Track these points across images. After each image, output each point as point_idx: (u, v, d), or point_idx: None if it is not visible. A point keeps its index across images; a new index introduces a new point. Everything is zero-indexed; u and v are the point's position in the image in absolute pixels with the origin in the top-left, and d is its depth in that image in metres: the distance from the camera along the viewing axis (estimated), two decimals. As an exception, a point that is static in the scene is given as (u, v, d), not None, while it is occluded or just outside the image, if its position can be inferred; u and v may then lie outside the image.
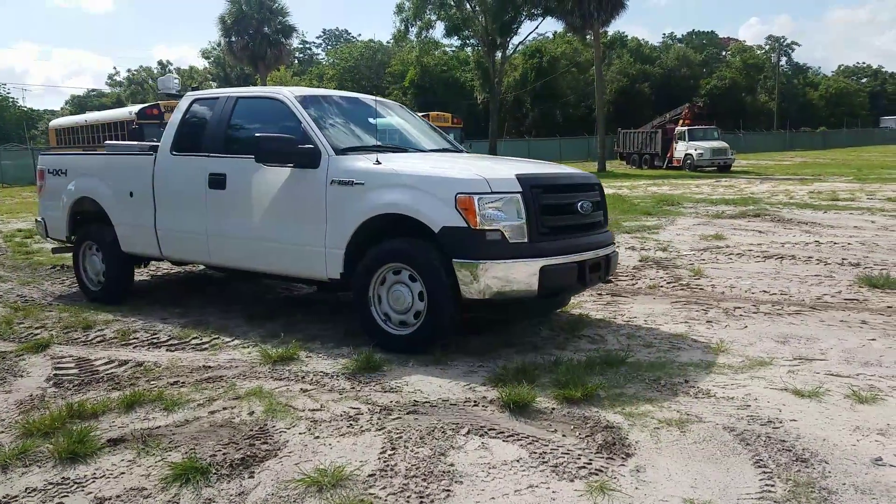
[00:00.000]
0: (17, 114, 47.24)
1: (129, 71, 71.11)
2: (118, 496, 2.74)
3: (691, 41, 79.56)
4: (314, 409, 3.60)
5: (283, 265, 5.12)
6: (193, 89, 6.56)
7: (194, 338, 4.99)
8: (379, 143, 5.20)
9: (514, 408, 3.51)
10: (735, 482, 2.79)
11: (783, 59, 77.96)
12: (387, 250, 4.53)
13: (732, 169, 29.52)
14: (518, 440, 3.19)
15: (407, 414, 3.51)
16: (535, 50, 52.04)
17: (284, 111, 5.14)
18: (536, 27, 66.84)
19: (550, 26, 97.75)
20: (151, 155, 5.86)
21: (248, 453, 3.07)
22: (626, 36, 64.30)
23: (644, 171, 31.68)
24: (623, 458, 3.01)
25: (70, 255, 6.62)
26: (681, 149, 31.24)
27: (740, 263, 7.62)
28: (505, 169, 4.62)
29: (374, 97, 6.15)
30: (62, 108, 59.84)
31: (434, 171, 4.53)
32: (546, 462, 2.97)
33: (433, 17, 36.71)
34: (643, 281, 6.84)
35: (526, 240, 4.29)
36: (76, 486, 2.83)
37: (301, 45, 66.37)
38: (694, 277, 6.90)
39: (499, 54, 37.69)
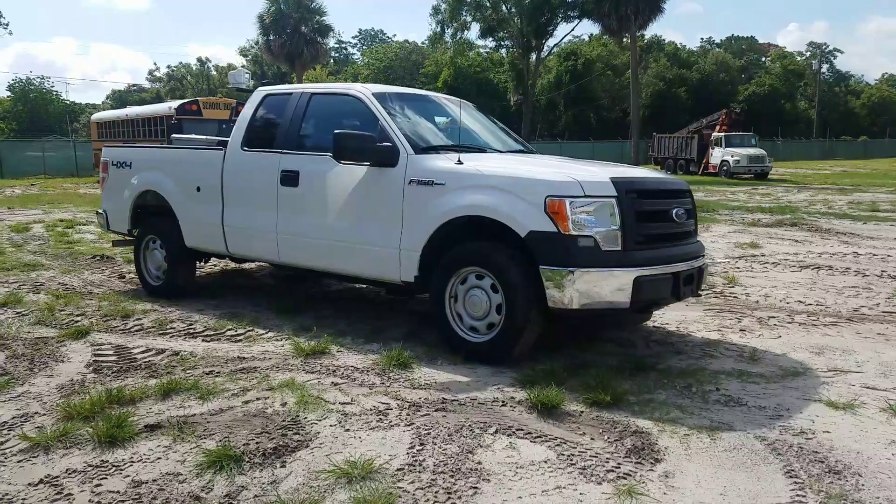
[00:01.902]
0: (60, 107, 48.54)
1: (168, 67, 72.62)
2: (154, 480, 2.82)
3: (730, 46, 78.31)
4: (345, 403, 3.65)
5: (356, 266, 4.98)
6: (264, 84, 6.37)
7: (229, 329, 5.10)
8: (458, 143, 5.04)
9: (543, 409, 3.52)
10: (765, 491, 2.76)
11: (824, 67, 76.23)
12: (466, 254, 4.36)
13: (769, 177, 29.00)
14: (546, 441, 3.20)
15: (435, 411, 3.54)
16: (571, 52, 51.75)
17: (360, 108, 5.03)
18: (572, 29, 66.27)
19: (586, 29, 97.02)
20: (221, 150, 5.82)
21: (281, 443, 3.13)
22: (664, 40, 63.57)
23: (680, 177, 31.24)
24: (652, 463, 3.00)
25: (119, 247, 6.71)
26: (717, 155, 30.78)
27: (776, 273, 7.50)
28: (597, 171, 4.41)
29: (451, 97, 6.11)
30: (103, 103, 61.43)
31: (521, 173, 4.30)
32: (574, 464, 2.97)
33: (469, 19, 36.82)
34: (675, 287, 6.76)
35: (620, 248, 4.02)
36: (114, 468, 2.92)
37: (337, 45, 67.05)
38: (728, 285, 6.81)
39: (533, 56, 37.62)
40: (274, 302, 5.97)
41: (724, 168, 29.86)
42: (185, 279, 6.23)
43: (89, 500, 2.66)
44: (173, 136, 7.74)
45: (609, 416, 3.51)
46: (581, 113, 52.87)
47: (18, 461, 2.99)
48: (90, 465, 2.94)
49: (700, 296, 5.33)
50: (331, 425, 3.36)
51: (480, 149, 5.23)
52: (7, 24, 52.39)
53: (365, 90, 5.16)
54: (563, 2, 35.07)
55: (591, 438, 3.24)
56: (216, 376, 4.05)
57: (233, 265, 7.65)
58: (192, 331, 5.06)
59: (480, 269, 4.29)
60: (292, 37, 34.39)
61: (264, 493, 2.72)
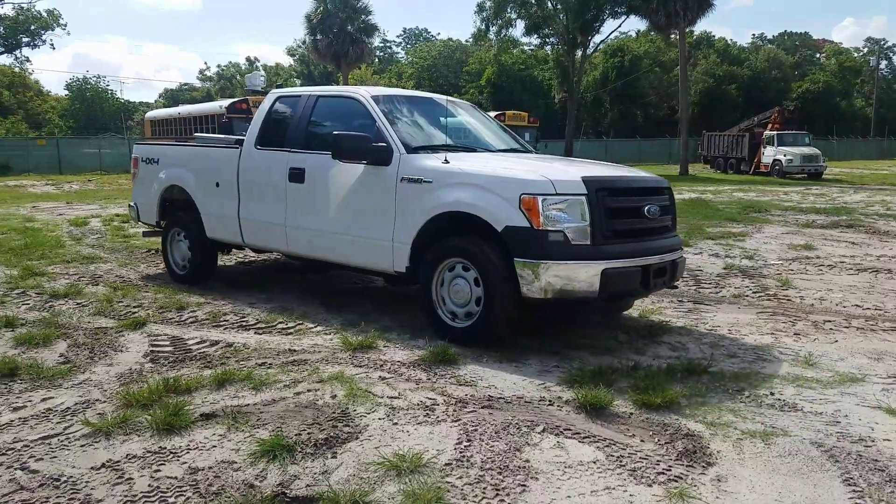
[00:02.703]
0: (115, 105, 50.15)
1: (218, 66, 74.29)
2: (210, 467, 2.90)
3: (783, 42, 75.93)
4: (392, 397, 3.69)
5: (354, 257, 5.34)
6: (278, 87, 6.96)
7: (280, 322, 5.20)
8: (449, 143, 5.31)
9: (591, 410, 3.49)
10: (822, 498, 2.69)
11: (883, 63, 73.28)
12: (450, 247, 4.66)
13: (824, 177, 28.08)
14: (595, 442, 3.17)
15: (482, 408, 3.55)
16: (617, 48, 50.98)
17: (361, 110, 5.34)
18: (619, 26, 65.47)
19: (633, 25, 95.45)
20: (237, 148, 6.14)
21: (331, 434, 3.19)
22: (713, 36, 62.05)
23: (729, 176, 30.55)
24: (704, 466, 2.95)
25: (159, 238, 7.00)
26: (769, 154, 29.97)
27: (831, 275, 7.27)
28: (571, 170, 4.67)
29: (445, 97, 6.29)
30: (156, 101, 63.23)
31: (499, 172, 4.59)
32: (624, 465, 2.94)
33: (513, 16, 36.56)
34: (727, 289, 6.62)
35: (588, 242, 4.30)
36: (172, 455, 3.02)
37: (381, 44, 67.50)
38: (781, 288, 6.63)
39: (579, 53, 37.15)
40: (322, 297, 6.07)
41: (777, 167, 29.05)
42: (206, 268, 6.60)
43: (149, 486, 2.76)
44: (196, 134, 7.92)
45: (659, 418, 3.46)
46: (627, 110, 52.05)
47: (81, 446, 3.11)
48: (149, 452, 3.04)
49: (676, 287, 5.51)
50: (379, 418, 3.41)
51: (471, 148, 5.51)
52: (65, 25, 54.36)
53: (365, 93, 5.48)
54: (609, -2, 34.62)
55: (641, 440, 3.20)
56: (268, 368, 4.14)
57: (285, 260, 7.79)
58: (244, 323, 5.18)
59: (463, 261, 4.59)
60: (338, 36, 34.77)
61: (316, 482, 2.77)
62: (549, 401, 3.66)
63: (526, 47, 51.02)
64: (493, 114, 26.50)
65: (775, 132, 30.44)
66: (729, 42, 63.53)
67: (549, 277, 4.21)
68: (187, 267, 6.60)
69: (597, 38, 37.97)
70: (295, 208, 5.60)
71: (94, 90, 48.24)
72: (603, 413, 3.48)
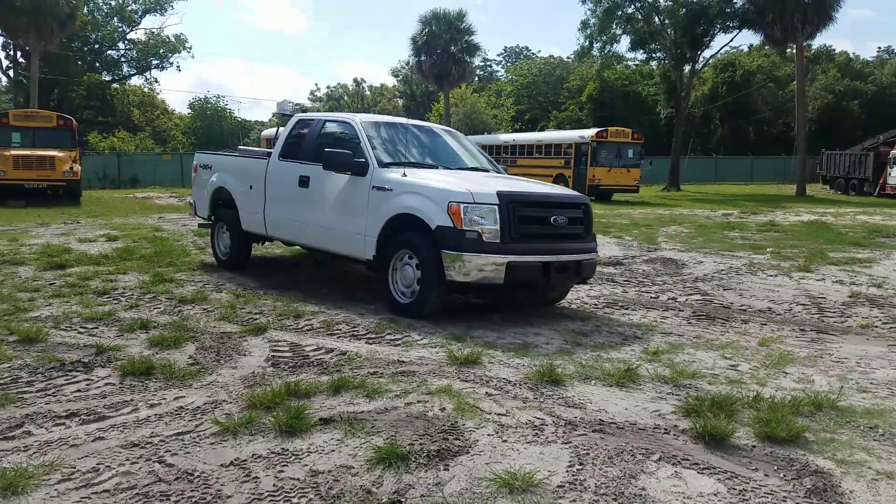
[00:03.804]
0: (232, 123, 53.39)
1: (328, 87, 77.52)
2: (329, 471, 3.02)
3: (914, 54, 70.16)
4: (500, 414, 3.70)
5: (341, 247, 6.65)
6: (303, 111, 8.61)
7: (388, 333, 5.35)
8: (413, 160, 6.48)
9: (710, 440, 3.35)
10: (980, 556, 2.45)
11: None
12: (401, 240, 5.90)
13: (963, 200, 25.64)
14: (714, 474, 3.04)
15: (593, 432, 3.49)
16: (728, 63, 48.91)
17: (352, 132, 6.70)
18: (731, 40, 62.66)
19: (746, 39, 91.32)
20: (266, 159, 7.52)
21: (443, 447, 3.24)
22: (833, 49, 58.29)
23: (851, 198, 28.53)
24: (837, 508, 2.76)
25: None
26: (896, 175, 27.74)
27: (978, 308, 6.62)
28: (493, 185, 5.81)
29: (436, 125, 7.95)
30: (269, 120, 66.72)
31: (439, 184, 5.82)
32: (746, 500, 2.81)
33: (618, 32, 35.92)
34: (854, 319, 6.18)
35: (498, 241, 5.50)
36: (294, 457, 3.16)
37: (482, 63, 68.18)
38: (917, 320, 6.11)
39: (687, 68, 35.96)
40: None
41: (906, 189, 26.83)
42: (243, 256, 8.06)
43: (273, 485, 2.90)
44: (239, 147, 9.59)
45: (784, 452, 3.27)
46: (739, 127, 49.70)
47: (211, 443, 3.32)
48: (273, 452, 3.20)
49: (586, 283, 6.61)
50: (488, 434, 3.42)
51: (434, 166, 6.65)
52: (191, 48, 58.67)
53: (358, 119, 6.86)
54: (721, 11, 33.26)
55: (765, 475, 3.04)
56: (380, 377, 4.26)
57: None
58: (355, 333, 5.36)
59: (409, 251, 5.82)
60: (441, 57, 35.47)
61: (430, 493, 2.82)
62: (665, 429, 3.54)
63: (630, 63, 50.00)
64: (593, 130, 26.15)
65: (905, 151, 28.16)
66: (851, 56, 59.48)
67: (466, 266, 5.43)
68: (228, 254, 8.07)
69: (706, 53, 36.69)
70: (302, 208, 6.99)
71: (214, 109, 51.60)
72: (723, 444, 3.33)
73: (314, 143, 6.99)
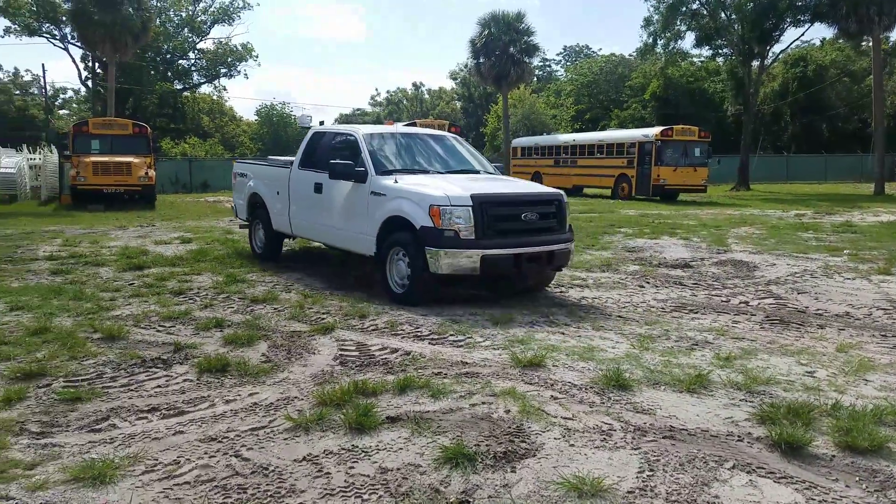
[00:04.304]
0: (297, 129, 54.68)
1: (388, 92, 78.56)
2: (398, 469, 3.07)
3: None
4: (566, 418, 3.68)
5: (351, 245, 7.48)
6: (321, 124, 9.25)
7: (451, 335, 5.38)
8: (405, 167, 7.30)
9: (786, 449, 3.24)
10: None
11: None
12: (394, 239, 6.65)
13: None
14: (792, 483, 2.94)
15: (663, 438, 3.43)
16: (799, 58, 46.91)
17: (355, 144, 7.48)
18: (802, 34, 60.02)
19: (818, 32, 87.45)
20: (289, 168, 8.54)
21: (509, 448, 3.24)
22: (916, 39, 55.09)
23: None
24: (928, 524, 2.63)
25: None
26: None
27: None
28: (470, 188, 6.50)
29: (434, 131, 8.76)
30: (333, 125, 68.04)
31: (422, 189, 6.54)
32: (828, 512, 2.70)
33: (683, 28, 34.97)
34: (942, 324, 5.84)
35: (473, 237, 6.22)
36: (363, 454, 3.23)
37: (541, 63, 67.58)
38: None
39: (755, 63, 34.69)
40: (488, 311, 6.19)
41: None
42: (274, 250, 9.18)
43: (345, 481, 2.97)
44: (269, 157, 10.80)
45: (866, 463, 3.13)
46: (811, 124, 47.61)
47: (284, 439, 3.43)
48: (343, 449, 3.28)
49: (560, 269, 7.25)
50: (555, 438, 3.41)
51: (425, 171, 7.38)
52: (257, 57, 60.42)
53: (359, 131, 7.67)
54: (791, 5, 31.90)
55: (846, 485, 2.92)
56: (444, 377, 4.30)
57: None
58: (419, 333, 5.42)
59: (401, 248, 6.56)
60: (500, 58, 35.30)
61: (498, 494, 2.84)
62: (738, 436, 3.45)
63: (695, 59, 48.60)
64: (658, 129, 25.53)
65: None
66: (936, 45, 56.08)
67: (445, 259, 6.16)
68: (263, 248, 9.24)
69: (776, 48, 35.31)
70: (318, 210, 7.92)
71: (280, 115, 53.02)
72: (800, 453, 3.22)
73: (326, 153, 7.81)
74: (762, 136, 46.12)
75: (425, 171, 7.35)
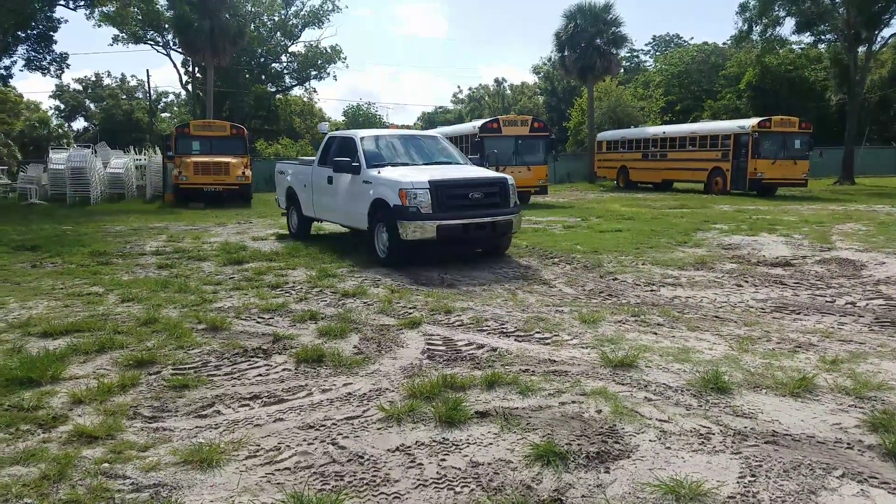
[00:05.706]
0: (382, 128, 55.80)
1: (469, 89, 78.65)
2: (489, 463, 3.09)
3: None
4: (661, 420, 3.58)
5: (353, 222, 9.66)
6: (336, 129, 10.41)
7: (536, 332, 5.35)
8: (391, 161, 9.39)
9: (903, 459, 3.03)
10: None
11: None
12: (378, 216, 8.69)
13: None
14: (911, 496, 2.75)
15: (765, 443, 3.28)
16: (913, 41, 43.43)
17: (353, 144, 9.67)
18: (916, 15, 55.32)
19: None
20: (311, 166, 10.99)
21: (602, 449, 3.20)
22: None
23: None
24: None
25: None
26: None
27: None
28: (431, 175, 8.45)
29: (420, 131, 11.55)
30: (414, 124, 68.85)
31: (395, 177, 8.54)
32: (953, 529, 2.51)
33: (781, 13, 33.12)
34: None
35: (431, 211, 8.13)
36: (454, 447, 3.27)
37: (628, 54, 65.76)
38: None
39: (861, 49, 32.40)
40: (574, 309, 6.10)
41: None
42: (305, 231, 11.64)
43: (437, 473, 3.02)
44: (300, 157, 14.11)
45: None
46: (925, 112, 44.05)
47: (378, 428, 3.52)
48: (434, 441, 3.34)
49: (505, 234, 8.99)
50: (650, 440, 3.33)
51: (406, 163, 9.46)
52: (345, 58, 62.06)
53: (357, 135, 9.97)
54: (905, -16, 29.66)
55: (975, 503, 2.70)
56: (531, 375, 4.28)
57: (524, 271, 7.97)
58: (504, 330, 5.42)
59: (383, 222, 8.52)
60: (586, 51, 34.62)
61: (591, 494, 2.80)
62: (848, 443, 3.25)
63: (795, 46, 45.93)
64: (755, 120, 24.28)
65: None
66: None
67: (411, 229, 8.08)
68: (296, 229, 11.69)
69: (885, 33, 32.88)
70: (330, 197, 10.18)
71: (366, 115, 54.19)
72: (919, 465, 3.00)
73: (336, 153, 9.91)
74: (868, 126, 43.04)
75: (406, 164, 9.42)
